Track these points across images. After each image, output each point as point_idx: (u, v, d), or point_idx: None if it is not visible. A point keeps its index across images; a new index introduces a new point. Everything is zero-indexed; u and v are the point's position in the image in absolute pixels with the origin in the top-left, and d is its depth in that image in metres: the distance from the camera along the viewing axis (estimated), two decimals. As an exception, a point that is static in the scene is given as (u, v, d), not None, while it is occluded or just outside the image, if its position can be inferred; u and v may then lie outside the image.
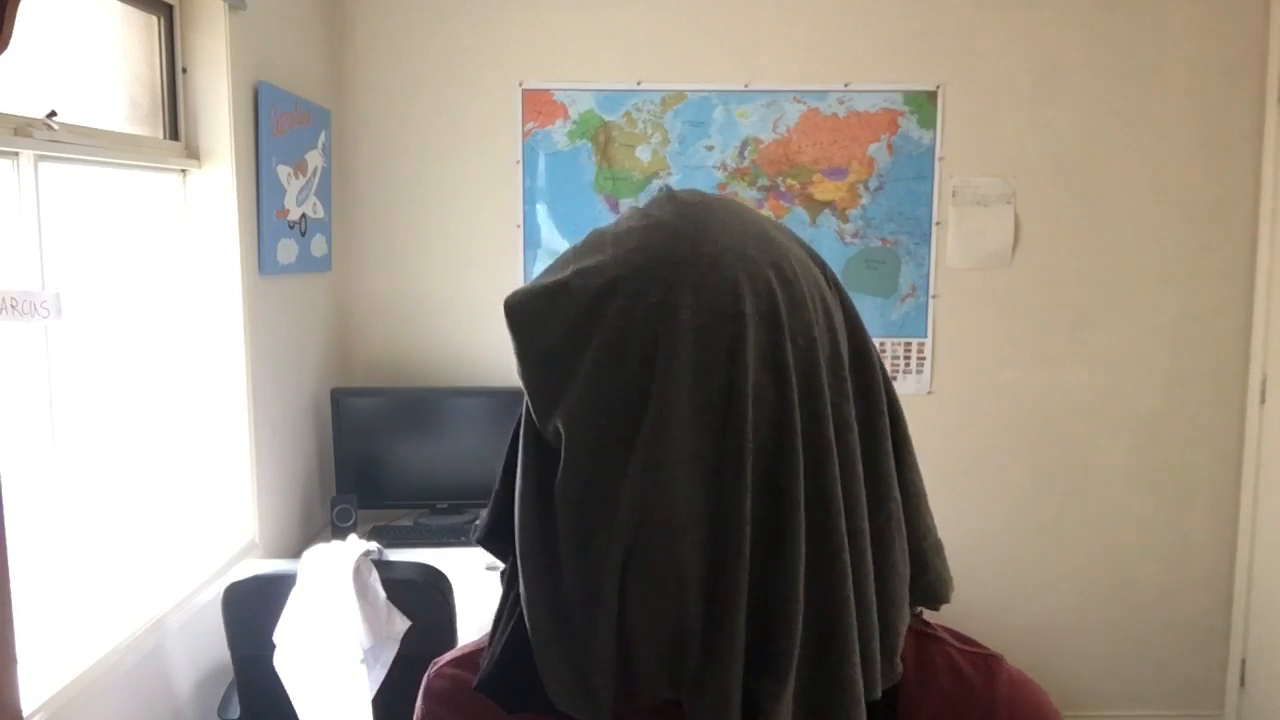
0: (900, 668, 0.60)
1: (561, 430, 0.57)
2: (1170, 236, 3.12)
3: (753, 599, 0.55)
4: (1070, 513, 3.22)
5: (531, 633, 0.59)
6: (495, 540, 0.66)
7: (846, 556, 0.56)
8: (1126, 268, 3.13)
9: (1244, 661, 3.20)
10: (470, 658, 0.69)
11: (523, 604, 0.60)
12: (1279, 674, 3.03)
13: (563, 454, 0.57)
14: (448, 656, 0.72)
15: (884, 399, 0.62)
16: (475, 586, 2.33)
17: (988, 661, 0.65)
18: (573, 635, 0.57)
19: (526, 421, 0.61)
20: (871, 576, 0.58)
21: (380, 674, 1.93)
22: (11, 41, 1.39)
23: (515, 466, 0.62)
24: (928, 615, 0.66)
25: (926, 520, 0.64)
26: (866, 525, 0.58)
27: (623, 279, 0.57)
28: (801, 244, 0.64)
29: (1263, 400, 3.11)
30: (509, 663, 0.61)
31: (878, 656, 0.58)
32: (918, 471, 0.64)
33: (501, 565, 0.67)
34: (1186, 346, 3.16)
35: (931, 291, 3.13)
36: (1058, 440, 3.19)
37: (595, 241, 0.61)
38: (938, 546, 0.64)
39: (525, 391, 0.60)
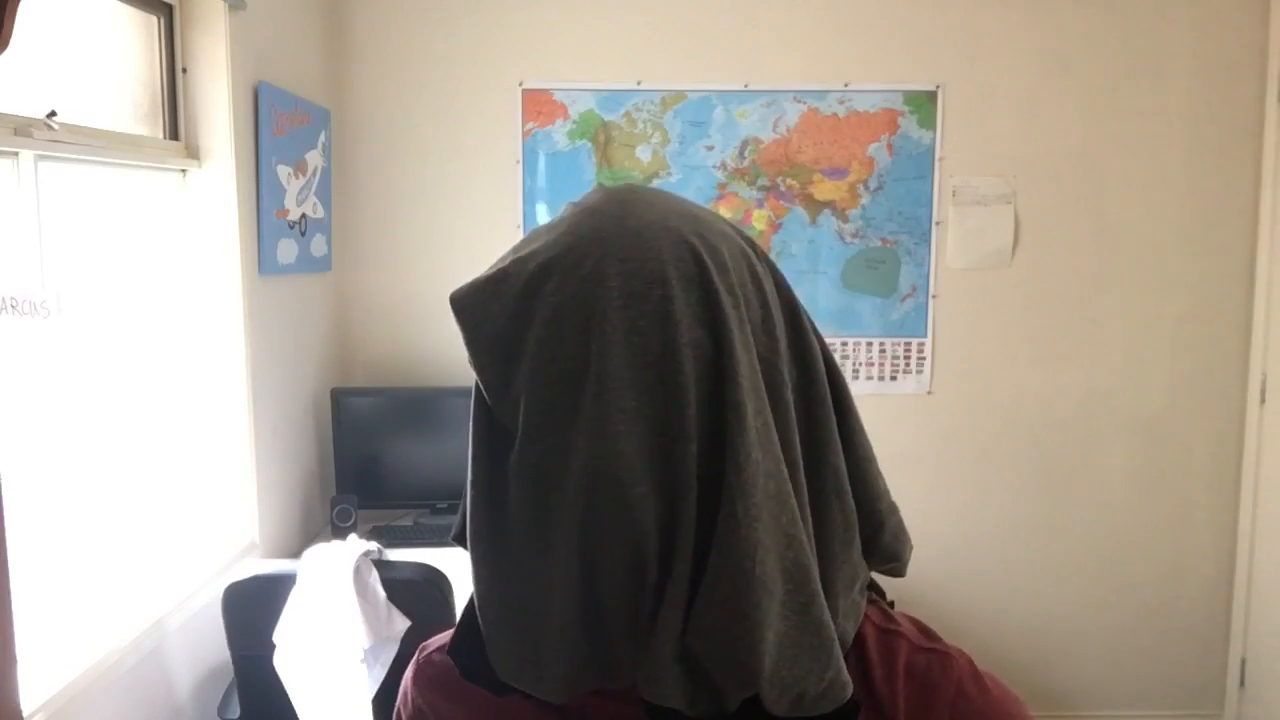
0: (849, 632, 0.63)
1: (518, 408, 0.60)
2: (1170, 236, 3.12)
3: (697, 549, 0.57)
4: (1070, 513, 3.22)
5: (480, 612, 0.62)
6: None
7: (767, 508, 0.58)
8: (1127, 267, 3.13)
9: (1244, 662, 3.20)
10: None
11: (472, 583, 0.63)
12: (1279, 674, 3.04)
13: (519, 432, 0.60)
14: (435, 642, 0.75)
15: (821, 366, 0.65)
16: (475, 586, 2.33)
17: (942, 659, 0.67)
18: (524, 612, 0.60)
19: (477, 408, 0.64)
20: (801, 531, 0.60)
21: (380, 674, 1.93)
22: (11, 41, 1.39)
23: None
24: (900, 596, 0.66)
25: (878, 483, 0.67)
26: (804, 480, 0.61)
27: (555, 259, 0.60)
28: (732, 225, 0.68)
29: (1263, 400, 3.11)
30: (466, 631, 0.65)
31: None
32: (864, 436, 0.67)
33: None
34: (1187, 347, 3.16)
35: (931, 291, 3.13)
36: (1058, 440, 3.19)
37: (531, 235, 0.65)
38: (893, 508, 0.68)
39: (477, 378, 0.63)
